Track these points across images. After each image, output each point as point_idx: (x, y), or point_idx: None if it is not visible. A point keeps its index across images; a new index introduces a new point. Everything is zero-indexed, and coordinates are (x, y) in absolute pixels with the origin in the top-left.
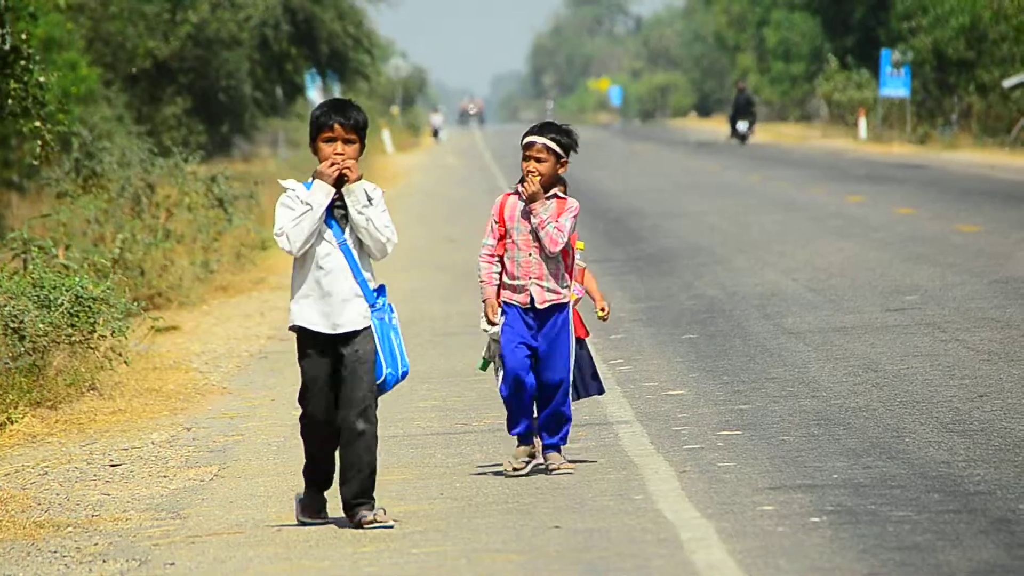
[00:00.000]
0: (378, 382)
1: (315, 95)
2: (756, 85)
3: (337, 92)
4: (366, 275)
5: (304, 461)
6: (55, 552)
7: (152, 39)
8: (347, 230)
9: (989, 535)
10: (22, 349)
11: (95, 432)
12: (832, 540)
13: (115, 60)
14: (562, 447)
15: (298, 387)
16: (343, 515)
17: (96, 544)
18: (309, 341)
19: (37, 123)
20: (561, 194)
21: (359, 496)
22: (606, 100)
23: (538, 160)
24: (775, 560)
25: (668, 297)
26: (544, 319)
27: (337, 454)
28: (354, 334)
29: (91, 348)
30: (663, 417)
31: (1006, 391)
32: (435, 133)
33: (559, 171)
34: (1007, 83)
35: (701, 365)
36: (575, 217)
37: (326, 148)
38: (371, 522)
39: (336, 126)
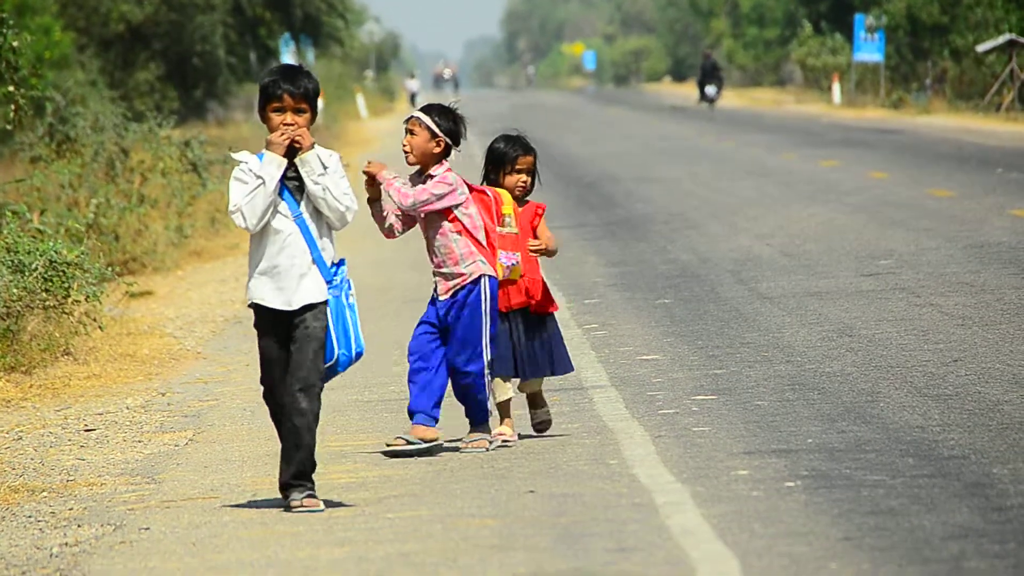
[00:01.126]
0: (329, 363)
1: (289, 60)
2: (730, 50)
3: (311, 57)
4: (323, 249)
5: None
6: (30, 517)
7: (126, 3)
8: (303, 202)
9: (963, 499)
10: None
11: (69, 397)
12: (807, 504)
13: (88, 24)
14: (485, 426)
15: None
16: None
17: (71, 509)
18: (266, 318)
19: (10, 88)
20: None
21: (297, 477)
22: (580, 64)
23: (411, 133)
24: (750, 524)
25: (642, 262)
26: (456, 309)
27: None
28: (307, 308)
29: (65, 313)
30: (638, 382)
31: (980, 355)
32: (412, 98)
33: (434, 151)
34: (981, 48)
35: (675, 330)
36: (440, 189)
37: (275, 118)
38: (299, 506)
39: (285, 96)
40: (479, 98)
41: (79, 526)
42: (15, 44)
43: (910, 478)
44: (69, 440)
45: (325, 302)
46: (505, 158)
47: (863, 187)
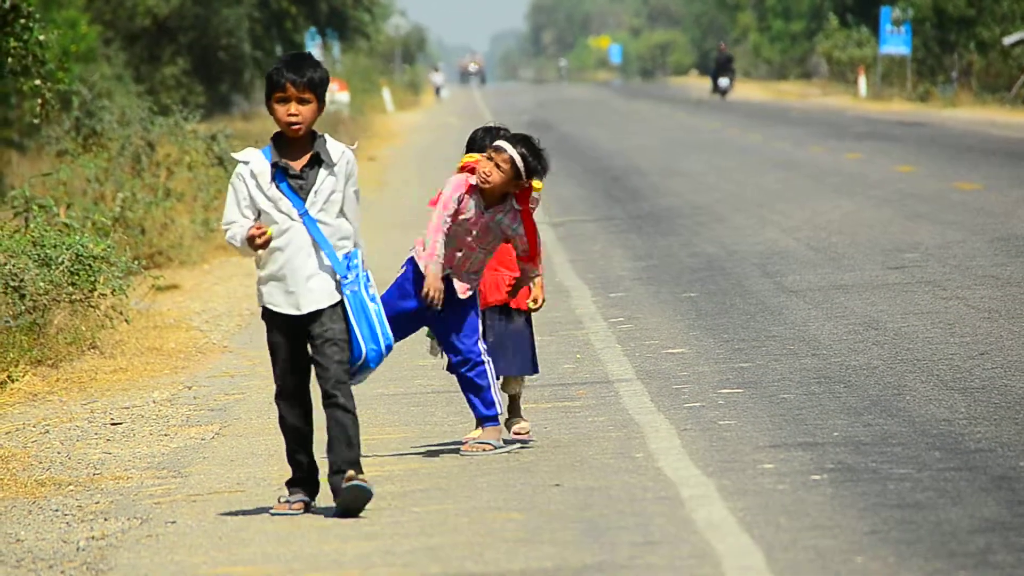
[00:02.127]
0: (359, 362)
1: (315, 54)
2: (756, 43)
3: (337, 51)
4: (336, 245)
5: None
6: (56, 510)
7: None
8: (308, 199)
9: (990, 492)
10: (23, 308)
11: (96, 391)
12: (833, 498)
13: (115, 18)
14: (490, 425)
15: None
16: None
17: (97, 502)
18: (276, 320)
19: (37, 81)
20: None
21: (351, 463)
22: (606, 58)
23: (498, 167)
24: (776, 518)
25: (668, 255)
26: (460, 307)
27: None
28: (318, 314)
29: (92, 307)
30: (664, 375)
31: (1006, 348)
32: (437, 91)
33: (511, 190)
34: (1007, 40)
35: (702, 323)
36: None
37: (279, 109)
38: (352, 479)
39: (288, 85)
40: (505, 91)
41: (105, 520)
42: (42, 38)
43: (936, 471)
44: (95, 434)
45: (339, 302)
46: (476, 145)
47: (889, 180)
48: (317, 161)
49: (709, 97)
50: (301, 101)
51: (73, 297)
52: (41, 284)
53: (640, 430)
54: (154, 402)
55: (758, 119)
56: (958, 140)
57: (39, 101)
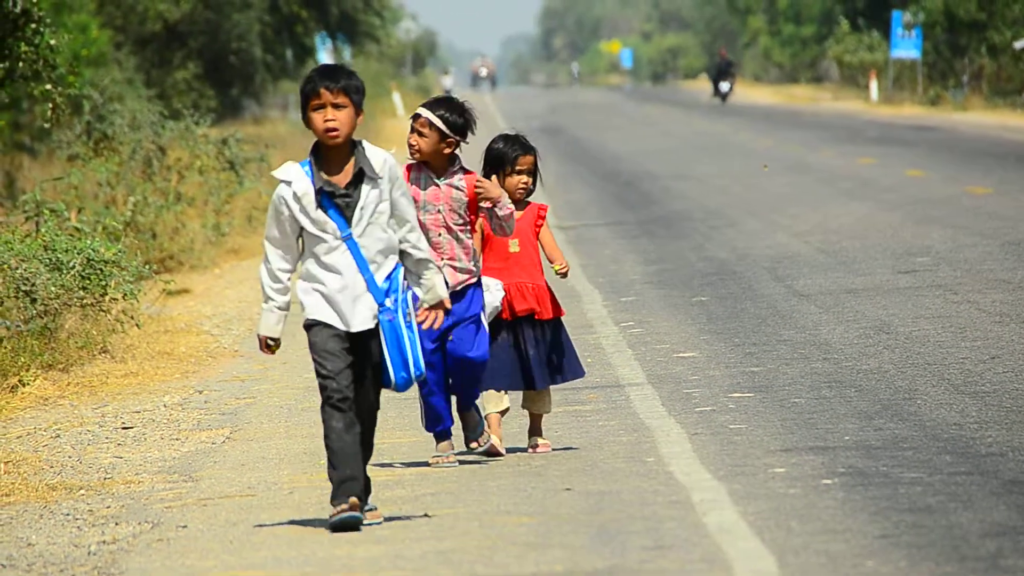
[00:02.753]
0: (388, 387)
1: (325, 58)
2: (767, 47)
3: (348, 55)
4: (375, 270)
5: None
6: (68, 515)
7: (163, 2)
8: (354, 216)
9: (1001, 497)
10: (34, 312)
11: (107, 395)
12: (844, 502)
13: (126, 23)
14: (475, 437)
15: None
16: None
17: (108, 507)
18: (322, 325)
19: (48, 86)
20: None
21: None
22: (617, 62)
23: (420, 134)
24: (787, 522)
25: (679, 259)
26: (458, 298)
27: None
28: (368, 333)
29: (103, 311)
30: (674, 379)
31: (1018, 353)
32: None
33: (444, 151)
34: (1018, 44)
35: (712, 327)
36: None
37: (316, 117)
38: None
39: (322, 91)
40: (516, 96)
41: (117, 524)
42: (53, 42)
43: (947, 475)
44: (107, 438)
45: (377, 326)
46: (504, 159)
47: (900, 184)
48: (360, 176)
49: (709, 101)
50: (337, 107)
51: (84, 301)
52: (52, 288)
53: (651, 434)
54: (165, 406)
55: (769, 123)
56: (969, 144)
57: (50, 105)
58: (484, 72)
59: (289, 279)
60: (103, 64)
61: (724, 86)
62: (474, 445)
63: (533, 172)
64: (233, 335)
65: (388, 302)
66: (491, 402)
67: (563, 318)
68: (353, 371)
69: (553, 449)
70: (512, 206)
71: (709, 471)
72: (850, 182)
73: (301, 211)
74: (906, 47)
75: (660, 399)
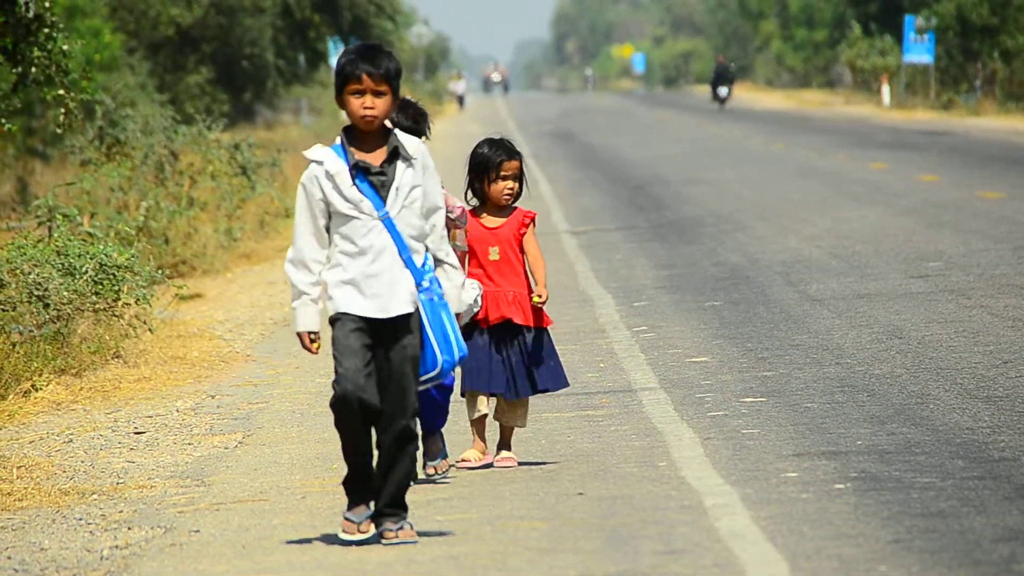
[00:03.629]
0: (433, 373)
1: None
2: (779, 51)
3: None
4: (414, 251)
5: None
6: (80, 519)
7: (175, 6)
8: (389, 196)
9: (1014, 501)
10: (47, 317)
11: (120, 400)
12: (856, 507)
13: (138, 27)
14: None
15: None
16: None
17: (121, 511)
18: (353, 320)
19: (60, 91)
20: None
21: (391, 506)
22: (629, 67)
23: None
24: (799, 527)
25: (691, 264)
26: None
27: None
28: (403, 320)
29: (115, 316)
30: (687, 384)
31: None
32: (460, 100)
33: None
34: None
35: (725, 332)
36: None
37: (354, 101)
38: (393, 538)
39: (364, 76)
40: (528, 101)
41: (129, 528)
42: (65, 47)
43: (960, 480)
44: (119, 443)
45: (416, 311)
46: (489, 164)
47: (912, 189)
48: (395, 155)
49: (708, 105)
50: (376, 94)
51: (97, 306)
52: (65, 293)
53: (663, 439)
54: (177, 411)
55: (781, 127)
56: (981, 149)
57: (62, 110)
58: (497, 77)
59: (321, 271)
60: (116, 69)
61: (723, 91)
62: (431, 471)
63: (519, 177)
64: (245, 340)
65: (425, 282)
66: (469, 407)
67: (578, 323)
68: (385, 368)
69: (562, 451)
70: (463, 205)
71: (721, 476)
72: (862, 186)
73: (334, 189)
74: (918, 52)
75: (672, 404)
